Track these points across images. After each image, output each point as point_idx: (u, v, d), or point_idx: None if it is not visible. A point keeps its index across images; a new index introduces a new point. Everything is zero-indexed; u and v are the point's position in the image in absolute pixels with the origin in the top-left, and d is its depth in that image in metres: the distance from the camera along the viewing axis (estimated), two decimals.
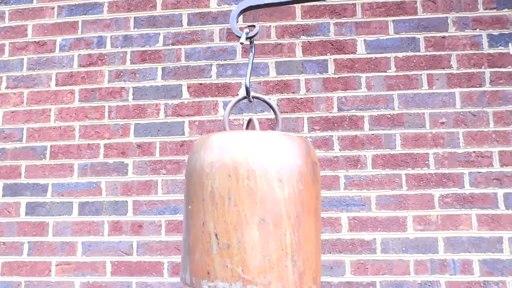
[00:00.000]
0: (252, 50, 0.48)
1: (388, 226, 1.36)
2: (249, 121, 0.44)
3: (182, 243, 0.42)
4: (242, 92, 1.49)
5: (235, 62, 1.50)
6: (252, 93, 0.45)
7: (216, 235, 0.37)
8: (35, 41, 1.59)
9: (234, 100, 0.47)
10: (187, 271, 0.39)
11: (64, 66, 1.56)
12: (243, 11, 0.50)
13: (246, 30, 0.49)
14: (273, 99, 1.45)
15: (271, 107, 0.46)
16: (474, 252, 1.32)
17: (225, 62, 1.50)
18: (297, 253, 0.38)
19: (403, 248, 1.34)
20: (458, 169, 1.37)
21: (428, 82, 1.43)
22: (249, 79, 0.45)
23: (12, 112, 1.56)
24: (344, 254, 1.36)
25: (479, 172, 1.36)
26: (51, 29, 1.59)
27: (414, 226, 1.35)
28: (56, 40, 1.58)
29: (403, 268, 1.33)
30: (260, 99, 0.47)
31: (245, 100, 1.48)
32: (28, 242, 1.47)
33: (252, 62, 0.47)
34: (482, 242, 1.33)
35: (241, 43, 0.49)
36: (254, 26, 0.48)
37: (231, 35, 1.52)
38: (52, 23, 1.59)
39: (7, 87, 1.57)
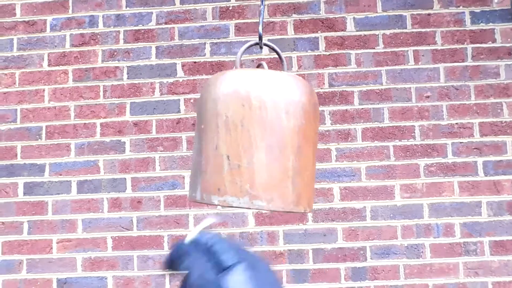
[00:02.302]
0: (262, 3, 0.53)
1: (377, 195, 1.44)
2: (259, 65, 0.49)
3: (192, 165, 0.47)
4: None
5: (228, 41, 1.53)
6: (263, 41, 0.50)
7: (228, 156, 0.42)
8: (24, 21, 1.57)
9: (246, 44, 0.50)
10: (197, 189, 0.44)
11: (56, 46, 1.55)
12: None
13: None
14: None
15: (278, 54, 0.51)
16: (455, 216, 1.42)
17: (218, 40, 1.53)
18: (297, 177, 0.43)
19: (391, 215, 1.43)
20: (441, 140, 1.45)
21: (414, 58, 1.49)
22: (262, 27, 0.50)
23: (5, 93, 1.55)
24: (336, 222, 1.44)
25: (461, 142, 1.45)
26: (41, 8, 1.57)
27: (401, 194, 1.44)
28: (46, 19, 1.56)
29: (391, 233, 1.43)
30: (269, 47, 0.52)
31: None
32: (27, 221, 1.49)
33: (263, 12, 0.52)
34: (463, 207, 1.43)
35: None
36: None
37: (224, 14, 1.54)
38: (41, 2, 1.57)
39: None
